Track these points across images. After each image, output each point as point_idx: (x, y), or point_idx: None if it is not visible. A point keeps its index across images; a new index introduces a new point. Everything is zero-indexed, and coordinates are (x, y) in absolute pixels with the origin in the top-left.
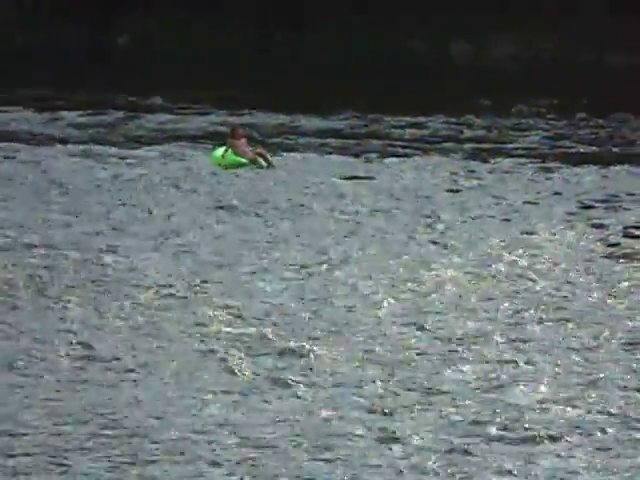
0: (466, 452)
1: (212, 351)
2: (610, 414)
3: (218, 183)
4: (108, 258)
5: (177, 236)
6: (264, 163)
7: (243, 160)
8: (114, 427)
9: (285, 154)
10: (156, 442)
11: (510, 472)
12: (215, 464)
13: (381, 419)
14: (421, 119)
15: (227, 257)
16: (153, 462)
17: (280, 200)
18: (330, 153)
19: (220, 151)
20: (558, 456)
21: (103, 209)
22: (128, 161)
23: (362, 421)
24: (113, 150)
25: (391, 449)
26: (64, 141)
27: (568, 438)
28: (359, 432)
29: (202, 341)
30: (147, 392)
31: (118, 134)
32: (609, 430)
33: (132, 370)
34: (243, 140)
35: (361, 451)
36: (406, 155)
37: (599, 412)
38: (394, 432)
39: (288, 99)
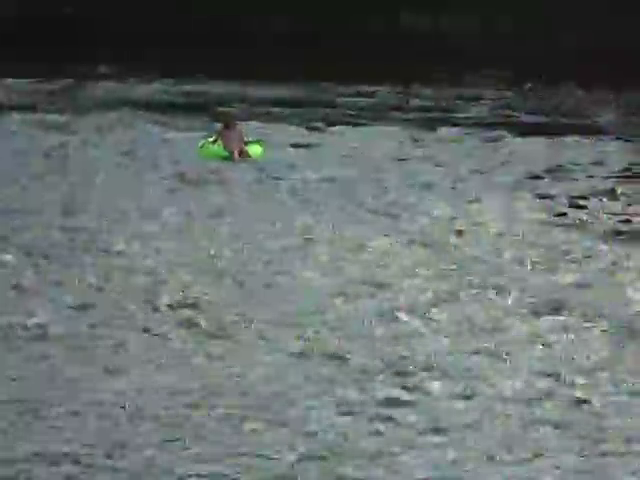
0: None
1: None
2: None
3: (166, 151)
4: (54, 223)
5: (120, 202)
6: (237, 158)
7: (222, 152)
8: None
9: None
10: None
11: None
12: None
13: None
14: (369, 88)
15: (173, 225)
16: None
17: (226, 169)
18: (278, 121)
19: (207, 140)
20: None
21: (49, 177)
22: (74, 129)
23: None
24: (60, 118)
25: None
26: (10, 108)
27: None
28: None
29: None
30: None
31: (65, 102)
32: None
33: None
34: (236, 130)
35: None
36: (354, 124)
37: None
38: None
39: (236, 68)
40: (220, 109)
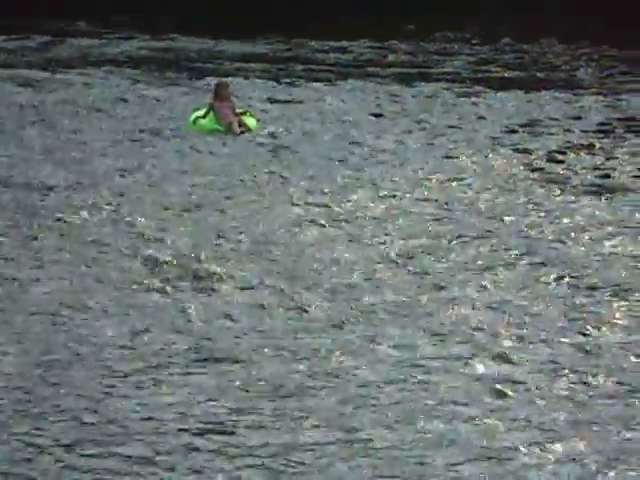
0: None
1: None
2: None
3: (142, 109)
4: (31, 180)
5: (102, 161)
6: (238, 130)
7: (219, 127)
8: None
9: (208, 78)
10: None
11: None
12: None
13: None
14: (345, 43)
15: (148, 183)
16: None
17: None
18: (254, 77)
19: (197, 114)
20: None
21: (26, 133)
22: (52, 86)
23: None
24: (37, 74)
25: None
26: None
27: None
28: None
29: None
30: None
31: (42, 58)
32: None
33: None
34: (228, 101)
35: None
36: (330, 80)
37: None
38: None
39: (214, 24)
40: (215, 80)
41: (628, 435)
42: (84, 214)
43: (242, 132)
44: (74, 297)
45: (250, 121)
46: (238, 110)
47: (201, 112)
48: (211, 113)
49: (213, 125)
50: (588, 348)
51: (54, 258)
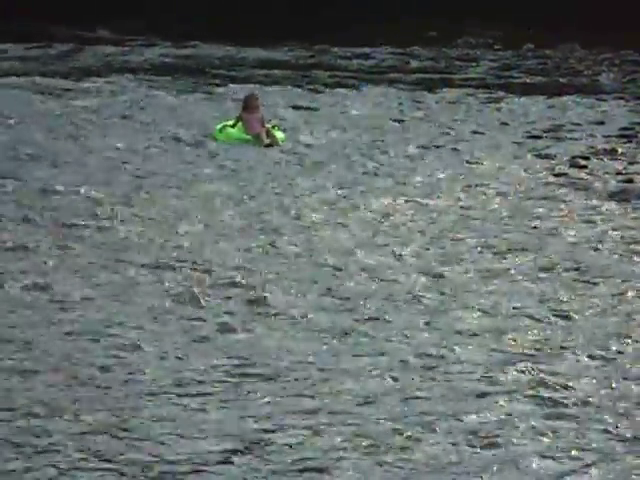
0: None
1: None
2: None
3: (165, 116)
4: (58, 189)
5: (128, 168)
6: (266, 140)
7: (247, 137)
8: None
9: (231, 85)
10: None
11: None
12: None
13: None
14: (367, 50)
15: (178, 188)
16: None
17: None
18: (276, 84)
19: (225, 124)
20: None
21: (50, 142)
22: (75, 94)
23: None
24: (59, 83)
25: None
26: (9, 74)
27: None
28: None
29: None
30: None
31: (64, 67)
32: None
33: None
34: (258, 113)
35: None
36: (352, 86)
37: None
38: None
39: (236, 31)
40: (245, 93)
41: None
42: (115, 223)
43: (269, 145)
44: (108, 313)
45: (278, 134)
46: (268, 125)
47: (229, 122)
48: (239, 123)
49: (241, 135)
50: (614, 356)
51: (87, 271)
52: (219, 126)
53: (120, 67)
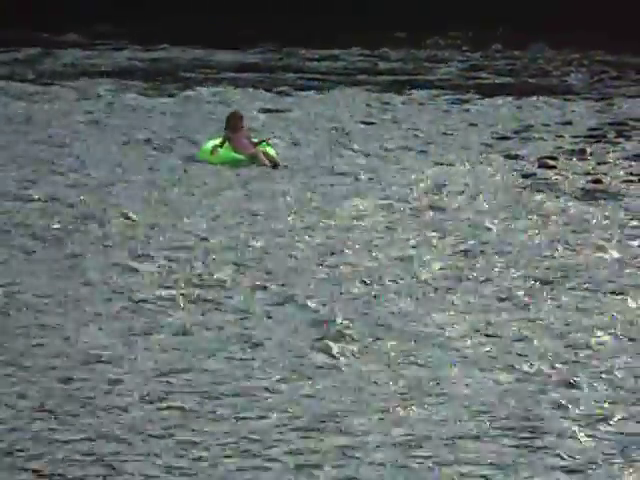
0: None
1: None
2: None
3: (139, 119)
4: (25, 192)
5: (93, 171)
6: (268, 162)
7: (240, 157)
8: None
9: (200, 89)
10: None
11: None
12: None
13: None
14: (336, 51)
15: (147, 192)
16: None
17: (194, 134)
18: (245, 87)
19: (212, 144)
20: None
21: (18, 146)
22: (43, 97)
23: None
24: (28, 87)
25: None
26: None
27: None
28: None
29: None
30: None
31: (32, 71)
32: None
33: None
34: (243, 131)
35: None
36: (321, 88)
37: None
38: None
39: (204, 33)
40: (229, 110)
41: None
42: (82, 227)
43: (275, 166)
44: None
45: (270, 151)
46: (254, 139)
47: (216, 141)
48: (227, 144)
49: (235, 156)
50: (583, 355)
51: (45, 270)
52: (207, 145)
53: (88, 71)
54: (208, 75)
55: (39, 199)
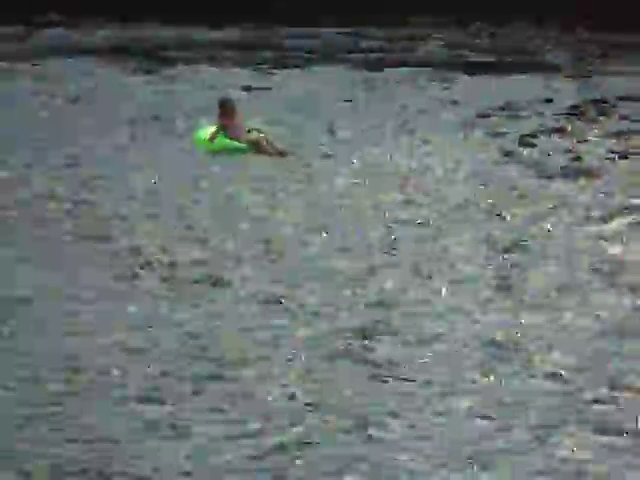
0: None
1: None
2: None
3: (119, 98)
4: (4, 175)
5: (80, 150)
6: (273, 152)
7: (239, 145)
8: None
9: (178, 67)
10: None
11: None
12: None
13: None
14: (316, 30)
15: (131, 170)
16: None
17: (178, 114)
18: (224, 65)
19: (206, 132)
20: None
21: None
22: (27, 76)
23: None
24: (11, 66)
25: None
26: None
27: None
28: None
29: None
30: None
31: (15, 49)
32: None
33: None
34: (237, 119)
35: None
36: (301, 66)
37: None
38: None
39: (185, 11)
40: (220, 97)
41: None
42: (67, 206)
43: (282, 154)
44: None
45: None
46: (247, 128)
47: (212, 129)
48: (222, 131)
49: (235, 144)
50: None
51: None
52: (202, 133)
53: (69, 49)
54: (186, 53)
55: (23, 179)
